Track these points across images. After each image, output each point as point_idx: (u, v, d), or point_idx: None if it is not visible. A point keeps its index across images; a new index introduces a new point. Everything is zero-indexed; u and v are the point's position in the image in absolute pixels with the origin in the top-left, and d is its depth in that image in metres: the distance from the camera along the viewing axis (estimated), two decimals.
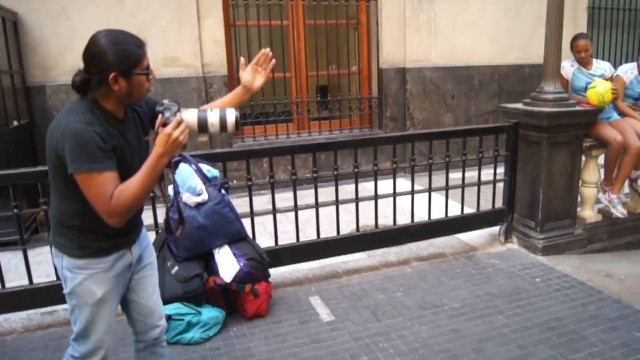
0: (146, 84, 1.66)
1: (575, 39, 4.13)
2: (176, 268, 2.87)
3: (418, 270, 3.79)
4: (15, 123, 4.55)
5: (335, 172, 3.59)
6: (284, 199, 3.59)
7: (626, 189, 4.44)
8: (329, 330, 2.96)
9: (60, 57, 5.04)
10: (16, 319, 3.14)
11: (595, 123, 3.97)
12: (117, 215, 1.56)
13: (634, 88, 4.20)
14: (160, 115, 1.60)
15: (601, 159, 4.23)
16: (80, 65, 1.64)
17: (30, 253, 3.17)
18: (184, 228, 1.97)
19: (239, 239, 3.12)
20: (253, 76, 1.98)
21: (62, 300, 1.87)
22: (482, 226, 4.18)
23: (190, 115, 1.65)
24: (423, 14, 6.35)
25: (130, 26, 5.05)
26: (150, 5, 5.25)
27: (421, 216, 4.01)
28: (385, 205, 3.91)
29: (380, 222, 3.90)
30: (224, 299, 3.01)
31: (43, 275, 3.44)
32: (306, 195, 3.66)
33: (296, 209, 3.54)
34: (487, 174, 4.16)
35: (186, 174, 2.95)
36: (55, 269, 1.95)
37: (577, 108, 3.81)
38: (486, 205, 4.23)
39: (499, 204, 4.23)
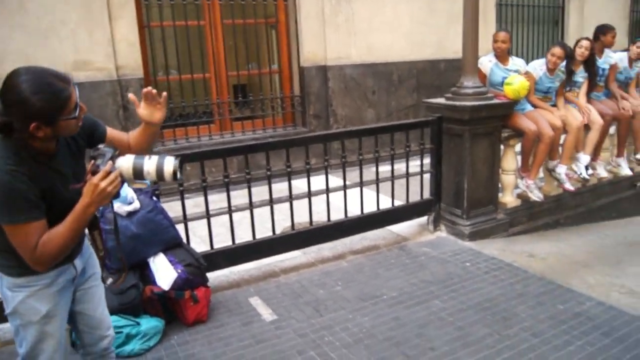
0: (74, 124, 1.57)
1: (496, 32, 4.44)
2: (110, 279, 2.77)
3: (354, 263, 3.91)
4: None
5: (268, 173, 3.62)
6: (212, 201, 3.56)
7: (541, 174, 4.83)
8: (273, 329, 2.99)
9: None
10: None
11: (512, 114, 4.30)
12: (41, 263, 1.53)
13: (543, 83, 4.57)
14: (92, 161, 1.54)
15: (517, 147, 4.57)
16: None
17: None
18: (125, 275, 1.95)
19: (174, 245, 3.08)
20: (149, 110, 1.85)
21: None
22: (411, 217, 4.38)
23: (125, 162, 1.59)
24: (341, 12, 6.52)
25: (36, 31, 4.87)
26: (56, 7, 4.98)
27: (352, 211, 4.13)
28: (316, 202, 3.99)
29: (313, 218, 3.97)
30: (162, 308, 2.96)
31: None
32: (234, 197, 3.65)
33: (230, 211, 3.53)
34: (415, 165, 4.37)
35: None
36: None
37: (495, 101, 4.10)
38: (415, 197, 4.43)
39: (427, 194, 4.45)
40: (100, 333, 1.88)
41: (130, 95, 1.89)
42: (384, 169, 4.25)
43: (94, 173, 1.52)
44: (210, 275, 3.37)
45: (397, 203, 4.33)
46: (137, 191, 2.97)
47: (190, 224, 3.43)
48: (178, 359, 2.72)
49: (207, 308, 3.08)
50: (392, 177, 4.19)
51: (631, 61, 5.19)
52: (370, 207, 4.15)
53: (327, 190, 3.89)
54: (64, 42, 5.03)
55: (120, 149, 1.72)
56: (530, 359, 2.58)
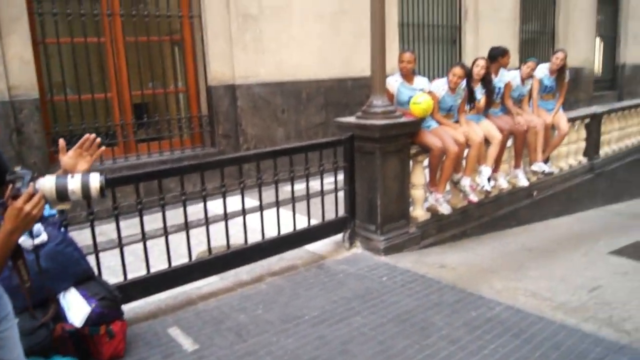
0: None
1: (402, 52, 4.74)
2: (16, 320, 2.62)
3: (273, 285, 3.97)
4: None
5: (183, 197, 3.60)
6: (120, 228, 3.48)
7: (447, 187, 5.17)
8: (196, 359, 2.97)
9: None
10: None
11: (419, 132, 4.59)
12: None
13: (446, 101, 4.94)
14: (10, 186, 1.47)
15: (425, 162, 4.88)
16: None
17: None
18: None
19: (85, 279, 2.97)
20: (75, 161, 1.76)
21: None
22: (328, 235, 4.53)
23: (46, 183, 1.53)
24: (249, 31, 6.61)
25: None
26: None
27: (269, 232, 4.16)
28: (231, 224, 3.99)
29: (219, 243, 3.98)
30: (75, 346, 2.84)
31: None
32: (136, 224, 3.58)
33: (144, 238, 3.47)
34: (329, 183, 4.51)
35: None
36: None
37: (403, 119, 4.38)
38: (330, 215, 4.58)
39: (342, 212, 4.62)
40: None
41: (61, 142, 1.77)
42: (299, 187, 4.35)
43: (15, 197, 1.44)
44: (125, 307, 3.28)
45: (313, 222, 4.46)
46: (44, 222, 2.85)
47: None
48: None
49: (123, 342, 2.99)
50: (308, 197, 4.32)
51: (523, 79, 5.74)
52: (286, 227, 4.24)
53: (244, 212, 3.94)
54: None
55: None
56: None
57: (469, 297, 3.59)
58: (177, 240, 3.71)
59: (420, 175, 4.80)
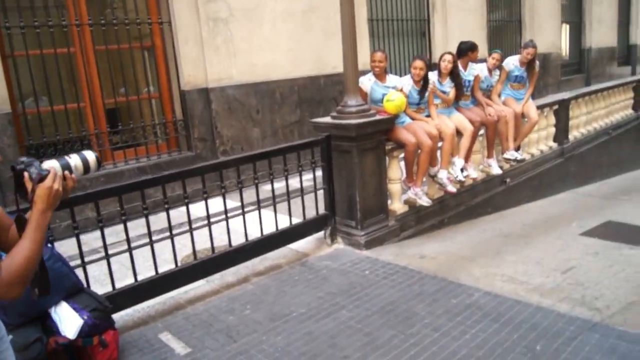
0: None
1: (373, 52, 4.88)
2: (10, 337, 2.70)
3: (259, 285, 4.08)
4: None
5: (166, 206, 3.69)
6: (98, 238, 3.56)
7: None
8: None
9: None
10: None
11: (393, 128, 4.75)
12: (13, 285, 1.48)
13: (413, 96, 5.10)
14: (25, 174, 1.59)
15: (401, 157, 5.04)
16: None
17: None
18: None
19: (75, 292, 3.05)
20: None
21: None
22: (310, 233, 4.66)
23: (53, 164, 1.66)
24: (220, 34, 6.67)
25: None
26: None
27: (252, 233, 4.27)
28: (214, 227, 4.07)
29: (203, 247, 4.08)
30: (69, 358, 2.92)
31: None
32: (118, 232, 3.66)
33: (130, 248, 3.55)
34: (307, 179, 4.63)
35: None
36: None
37: (378, 117, 4.53)
38: (311, 213, 4.71)
39: (322, 210, 4.75)
40: None
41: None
42: (278, 186, 4.44)
43: (42, 179, 1.57)
44: (115, 316, 3.36)
45: (295, 220, 4.58)
46: None
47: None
48: None
49: (117, 351, 3.09)
50: (288, 197, 4.44)
51: (490, 70, 5.94)
52: (268, 228, 4.35)
53: (226, 216, 4.04)
54: None
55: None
56: (434, 352, 2.94)
57: (449, 286, 3.76)
58: (161, 246, 3.80)
59: (396, 169, 4.95)
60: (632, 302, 3.38)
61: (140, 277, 3.64)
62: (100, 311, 3.03)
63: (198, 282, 4.07)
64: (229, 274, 4.26)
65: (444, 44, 9.71)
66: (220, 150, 6.83)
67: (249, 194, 4.26)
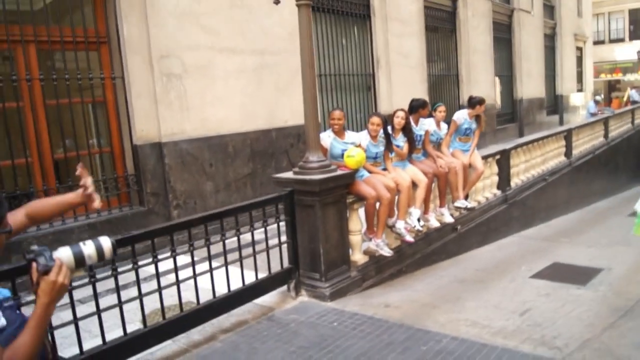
0: (4, 239, 1.67)
1: (332, 111, 5.18)
2: None
3: (228, 342, 4.10)
4: None
5: (135, 266, 3.71)
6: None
7: None
8: None
9: None
10: None
11: (354, 182, 5.00)
12: None
13: (370, 150, 5.40)
14: (34, 263, 1.63)
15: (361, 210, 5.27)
16: None
17: None
18: None
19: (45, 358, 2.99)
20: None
21: None
22: (275, 287, 4.75)
23: (63, 254, 1.69)
24: (173, 90, 6.81)
25: None
26: None
27: (219, 290, 4.29)
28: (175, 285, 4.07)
29: (168, 302, 4.08)
30: None
31: None
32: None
33: (98, 311, 3.52)
34: (269, 236, 4.73)
35: None
36: None
37: (339, 172, 4.76)
38: (274, 267, 4.80)
39: (286, 263, 4.85)
40: None
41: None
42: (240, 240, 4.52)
43: (46, 272, 1.60)
44: None
45: (260, 275, 4.64)
46: (0, 307, 2.87)
47: None
48: None
49: None
50: (254, 252, 4.53)
51: (438, 123, 6.36)
52: (234, 284, 4.39)
53: (194, 275, 4.08)
54: None
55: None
56: None
57: (417, 333, 3.94)
58: (128, 306, 3.78)
59: (356, 221, 5.17)
60: (587, 340, 3.68)
61: (109, 339, 3.60)
62: None
63: (164, 342, 4.05)
64: (195, 332, 4.25)
65: (388, 97, 10.26)
66: (173, 204, 6.84)
67: (212, 250, 4.30)
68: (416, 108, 6.00)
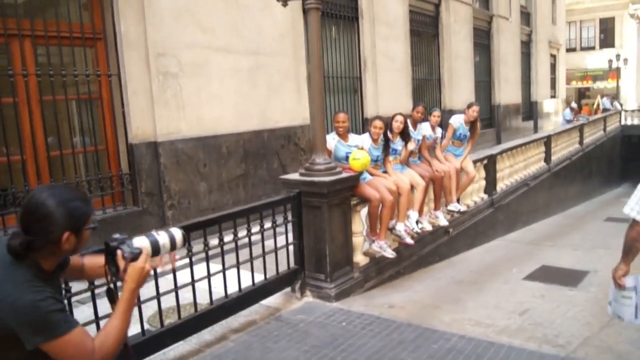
0: (88, 234, 1.76)
1: (336, 114, 5.33)
2: None
3: (240, 342, 4.21)
4: None
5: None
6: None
7: None
8: None
9: None
10: None
11: (357, 184, 5.16)
12: None
13: (372, 153, 5.58)
14: (119, 251, 1.75)
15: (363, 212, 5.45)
16: None
17: None
18: None
19: None
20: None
21: None
22: (282, 287, 4.88)
23: (142, 243, 1.82)
24: (169, 88, 6.86)
25: None
26: None
27: (219, 292, 4.36)
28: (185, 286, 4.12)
29: (170, 304, 4.13)
30: None
31: None
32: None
33: (97, 320, 3.54)
34: (270, 235, 4.82)
35: None
36: None
37: (345, 174, 4.92)
38: (281, 268, 4.92)
39: (292, 264, 4.99)
40: None
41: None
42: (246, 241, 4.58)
43: (134, 259, 1.74)
44: None
45: (260, 276, 4.70)
46: None
47: None
48: None
49: None
50: (264, 254, 4.65)
51: (433, 128, 6.60)
52: (240, 285, 4.46)
53: (209, 274, 4.18)
54: None
55: (73, 272, 1.93)
56: None
57: (426, 332, 4.13)
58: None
59: (359, 223, 5.34)
60: (587, 337, 3.94)
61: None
62: None
63: (178, 342, 4.14)
64: (205, 332, 4.33)
65: (375, 99, 10.49)
66: (168, 204, 6.90)
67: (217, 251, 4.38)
68: None
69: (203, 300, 4.23)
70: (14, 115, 5.78)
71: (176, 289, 3.95)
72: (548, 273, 6.10)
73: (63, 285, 2.92)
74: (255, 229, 4.55)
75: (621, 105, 24.78)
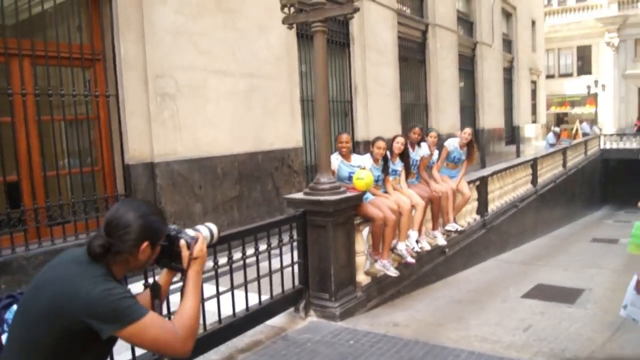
0: (159, 250, 1.88)
1: (339, 134, 5.45)
2: None
3: None
4: None
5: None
6: None
7: None
8: None
9: None
10: None
11: (361, 204, 5.26)
12: (190, 338, 1.75)
13: (373, 173, 5.68)
14: (182, 239, 1.89)
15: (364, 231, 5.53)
16: None
17: None
18: None
19: None
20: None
21: None
22: (287, 307, 4.91)
23: (194, 233, 1.98)
24: (167, 109, 6.92)
25: None
26: None
27: (225, 312, 4.32)
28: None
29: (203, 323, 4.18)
30: None
31: None
32: None
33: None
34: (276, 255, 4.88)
35: None
36: None
37: (349, 194, 5.01)
38: (285, 288, 4.94)
39: (296, 284, 5.02)
40: None
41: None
42: (251, 260, 4.59)
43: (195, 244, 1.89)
44: None
45: (266, 297, 4.72)
46: None
47: None
48: None
49: None
50: (270, 273, 4.69)
51: (430, 147, 6.75)
52: (243, 305, 4.45)
53: (218, 293, 4.20)
54: None
55: None
56: None
57: (434, 349, 4.19)
58: None
59: (361, 242, 5.42)
60: (593, 352, 4.05)
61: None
62: None
63: None
64: (211, 353, 4.33)
65: (365, 123, 10.68)
66: None
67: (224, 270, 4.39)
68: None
69: (208, 320, 4.25)
70: (12, 134, 5.78)
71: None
72: (545, 291, 6.23)
73: None
74: (262, 247, 4.60)
75: (600, 129, 25.55)
